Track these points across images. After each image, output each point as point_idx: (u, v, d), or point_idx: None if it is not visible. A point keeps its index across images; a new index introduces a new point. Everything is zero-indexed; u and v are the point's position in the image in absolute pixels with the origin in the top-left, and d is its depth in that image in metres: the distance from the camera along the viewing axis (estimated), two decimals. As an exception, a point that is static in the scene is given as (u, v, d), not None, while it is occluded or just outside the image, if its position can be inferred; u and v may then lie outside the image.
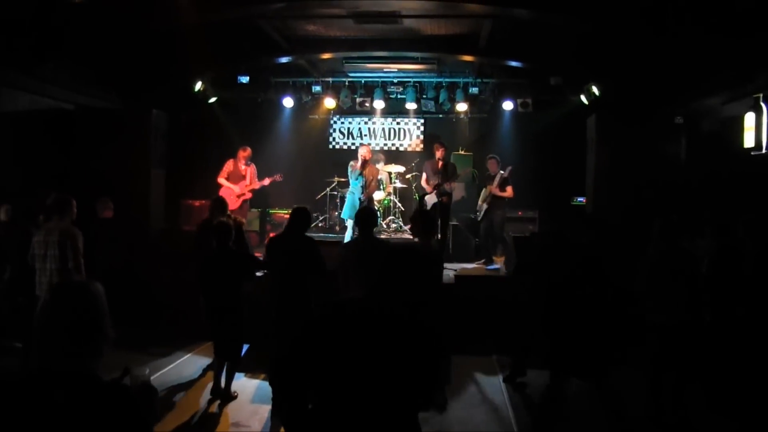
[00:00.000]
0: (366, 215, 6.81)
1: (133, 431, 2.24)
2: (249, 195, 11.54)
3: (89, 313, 2.34)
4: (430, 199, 11.39)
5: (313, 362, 2.67)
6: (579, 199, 12.74)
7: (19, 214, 7.84)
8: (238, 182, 11.32)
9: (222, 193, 11.18)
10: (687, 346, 6.05)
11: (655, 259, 6.27)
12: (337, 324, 2.74)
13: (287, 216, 13.27)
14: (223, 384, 7.17)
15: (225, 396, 7.07)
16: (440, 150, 11.48)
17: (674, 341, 6.07)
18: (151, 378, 6.94)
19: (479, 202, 11.81)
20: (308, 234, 7.27)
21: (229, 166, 11.35)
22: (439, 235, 10.59)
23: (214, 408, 6.92)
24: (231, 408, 6.89)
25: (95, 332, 2.33)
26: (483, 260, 11.65)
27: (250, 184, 11.44)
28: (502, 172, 11.45)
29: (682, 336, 6.03)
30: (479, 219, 11.69)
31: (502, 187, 11.36)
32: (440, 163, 11.35)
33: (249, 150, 11.48)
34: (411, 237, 12.21)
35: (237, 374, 7.38)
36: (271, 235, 10.37)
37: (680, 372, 6.15)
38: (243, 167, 11.41)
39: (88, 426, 2.16)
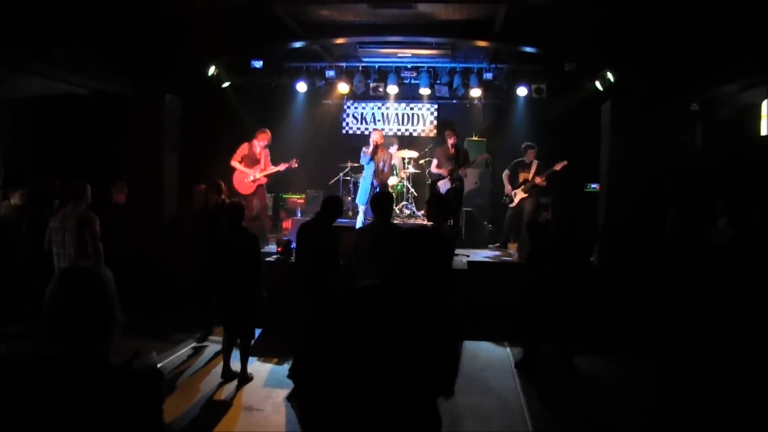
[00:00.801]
0: (382, 200, 6.78)
1: (143, 415, 2.24)
2: (264, 180, 11.54)
3: (97, 297, 2.34)
4: (444, 185, 11.37)
5: (334, 353, 2.65)
6: (593, 185, 12.68)
7: (33, 199, 7.88)
8: (252, 166, 11.31)
9: (235, 177, 11.20)
10: (700, 335, 6.01)
11: (669, 246, 6.24)
12: (357, 312, 2.72)
13: (300, 201, 13.42)
14: (236, 367, 7.23)
15: (241, 378, 7.13)
16: (452, 137, 11.47)
17: (688, 330, 6.04)
18: (162, 363, 7.03)
19: (509, 189, 11.75)
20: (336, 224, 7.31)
21: (243, 149, 11.31)
22: (452, 221, 10.57)
23: (228, 391, 6.97)
24: (244, 392, 6.93)
25: (104, 316, 2.34)
26: (498, 244, 11.64)
27: (265, 168, 11.43)
28: (538, 161, 11.41)
29: (695, 325, 6.00)
30: (511, 204, 11.63)
31: (541, 176, 11.33)
32: (452, 149, 11.33)
33: (269, 133, 11.45)
34: (424, 222, 12.25)
35: (249, 358, 7.42)
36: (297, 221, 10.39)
37: (693, 361, 6.12)
38: (259, 151, 11.40)
39: (99, 410, 2.16)
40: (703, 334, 5.95)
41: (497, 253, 11.34)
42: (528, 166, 11.53)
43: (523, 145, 11.80)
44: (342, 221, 12.07)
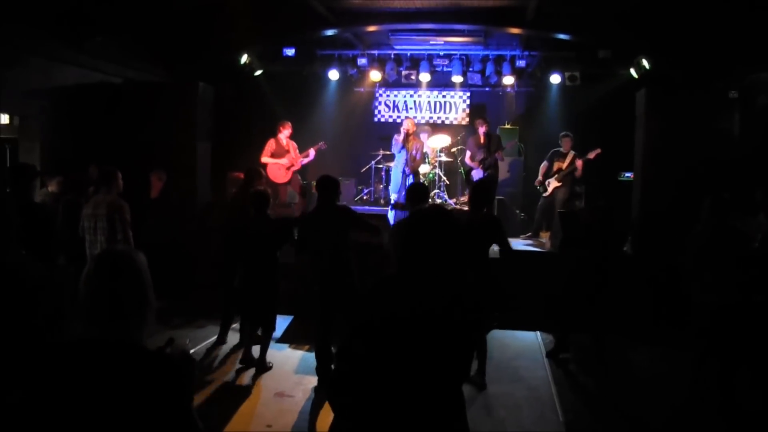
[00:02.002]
0: (415, 191, 6.74)
1: (173, 399, 2.26)
2: (298, 166, 11.60)
3: (132, 281, 2.36)
4: (476, 174, 11.33)
5: (368, 347, 2.60)
6: (627, 174, 12.53)
7: (68, 186, 7.98)
8: (283, 157, 11.37)
9: (270, 169, 11.25)
10: (735, 327, 5.93)
11: (705, 237, 6.15)
12: (377, 305, 2.70)
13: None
14: (256, 354, 7.27)
15: (260, 366, 7.17)
16: (483, 126, 11.42)
17: (722, 321, 5.96)
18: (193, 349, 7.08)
19: (542, 178, 11.67)
20: (341, 203, 7.13)
21: (271, 145, 11.37)
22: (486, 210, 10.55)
23: (247, 378, 7.04)
24: (275, 378, 6.98)
25: (139, 301, 2.36)
26: (529, 234, 11.59)
27: (296, 157, 11.48)
28: (574, 152, 11.34)
29: (730, 316, 5.92)
30: (545, 193, 11.55)
31: (573, 164, 11.24)
32: (483, 138, 11.29)
33: (289, 124, 11.52)
34: (455, 208, 12.22)
35: (280, 345, 7.48)
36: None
37: (728, 353, 6.04)
38: (286, 142, 11.46)
39: (132, 394, 2.19)
40: (741, 324, 5.87)
41: (529, 242, 11.28)
42: (564, 156, 11.43)
43: (561, 135, 11.70)
44: (374, 209, 12.10)
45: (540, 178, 11.68)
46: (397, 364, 2.50)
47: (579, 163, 11.16)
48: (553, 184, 11.41)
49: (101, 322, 2.29)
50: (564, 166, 11.34)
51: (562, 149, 11.55)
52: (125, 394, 2.19)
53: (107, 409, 2.18)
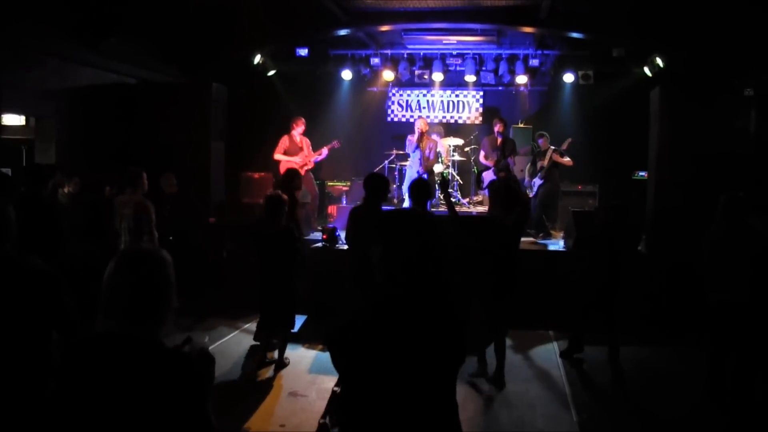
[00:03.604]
0: (417, 187, 6.73)
1: (192, 398, 2.28)
2: (311, 164, 11.62)
3: (154, 279, 2.37)
4: (488, 176, 11.36)
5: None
6: (641, 173, 12.49)
7: (86, 186, 8.05)
8: (297, 154, 11.39)
9: (283, 167, 11.25)
10: (750, 326, 5.90)
11: (719, 236, 6.12)
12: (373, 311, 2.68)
13: (345, 188, 13.46)
14: (275, 354, 7.31)
15: (278, 364, 7.22)
16: (499, 124, 11.48)
17: (737, 321, 5.94)
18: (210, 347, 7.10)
19: (528, 178, 11.80)
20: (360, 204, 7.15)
21: (284, 142, 11.39)
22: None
23: (266, 375, 7.09)
24: (288, 377, 7.01)
25: (159, 298, 2.37)
26: (541, 234, 11.57)
27: (309, 155, 11.50)
28: (552, 147, 11.46)
29: (745, 316, 5.89)
30: (531, 194, 11.63)
31: (559, 155, 11.37)
32: (499, 139, 11.34)
33: (302, 120, 11.54)
34: (469, 209, 12.23)
35: (294, 345, 7.50)
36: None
37: (743, 352, 6.02)
38: (299, 140, 11.48)
39: (149, 391, 2.22)
40: (756, 324, 5.84)
41: (543, 241, 11.26)
42: (543, 154, 11.59)
43: (536, 135, 11.94)
44: (388, 209, 12.08)
45: (527, 180, 11.90)
46: (390, 372, 2.46)
47: (559, 158, 11.50)
48: (537, 183, 11.52)
49: (121, 318, 2.31)
50: (545, 163, 11.49)
51: (541, 148, 11.80)
52: (141, 391, 2.22)
53: (124, 404, 2.22)
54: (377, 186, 6.83)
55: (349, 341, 2.50)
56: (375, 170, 13.57)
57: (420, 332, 2.46)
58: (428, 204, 6.97)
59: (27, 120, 10.06)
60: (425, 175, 10.70)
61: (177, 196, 9.49)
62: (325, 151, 11.68)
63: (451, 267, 6.00)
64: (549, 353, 8.02)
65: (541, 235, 11.45)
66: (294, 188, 8.27)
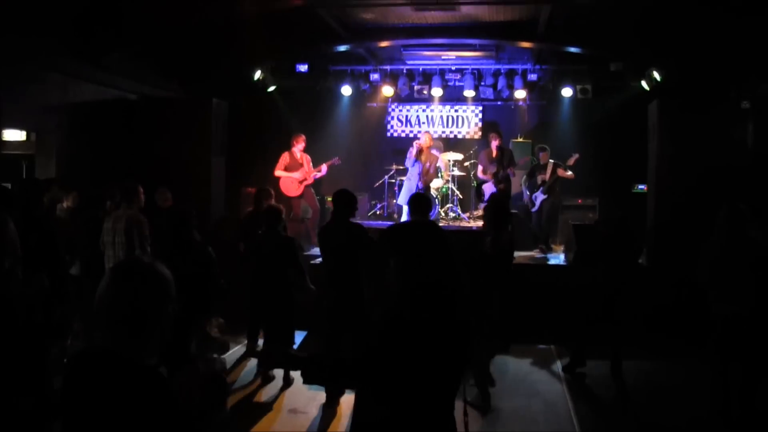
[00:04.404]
0: (417, 201, 6.71)
1: (161, 420, 2.15)
2: (311, 180, 11.64)
3: (151, 292, 2.25)
4: (488, 189, 11.35)
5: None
6: (640, 186, 12.51)
7: (85, 201, 8.04)
8: (297, 170, 11.41)
9: (283, 182, 11.31)
10: (753, 338, 5.89)
11: (720, 247, 6.11)
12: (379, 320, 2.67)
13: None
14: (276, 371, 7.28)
15: (284, 382, 7.19)
16: (496, 139, 11.49)
17: (739, 332, 5.93)
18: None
19: (528, 192, 11.77)
20: (355, 221, 7.07)
21: (285, 158, 11.46)
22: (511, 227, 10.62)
23: (270, 393, 7.06)
24: (288, 394, 6.99)
25: (150, 313, 2.25)
26: (542, 248, 11.57)
27: (309, 171, 11.53)
28: (553, 161, 11.45)
29: (747, 327, 5.88)
30: (533, 209, 11.62)
31: (555, 174, 11.34)
32: (495, 151, 11.33)
33: (303, 137, 11.59)
34: (469, 224, 12.22)
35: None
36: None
37: (747, 364, 6.00)
38: (300, 156, 11.51)
39: (118, 413, 2.12)
40: (759, 335, 5.83)
41: (543, 255, 11.25)
42: (544, 168, 11.54)
43: (537, 148, 11.91)
44: (388, 223, 12.09)
45: (526, 195, 11.89)
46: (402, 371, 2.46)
47: (564, 172, 11.40)
48: (539, 197, 11.49)
49: (114, 333, 2.22)
50: (547, 177, 11.43)
51: (540, 162, 11.73)
52: (112, 413, 2.13)
53: (94, 425, 2.16)
54: (348, 200, 6.71)
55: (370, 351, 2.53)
56: (375, 185, 13.64)
57: (434, 342, 2.47)
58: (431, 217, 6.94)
59: (28, 135, 10.07)
60: (423, 189, 10.74)
61: (172, 210, 9.49)
62: (324, 167, 11.72)
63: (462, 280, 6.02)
64: (551, 368, 8.00)
65: (542, 248, 11.45)
66: (264, 204, 8.28)
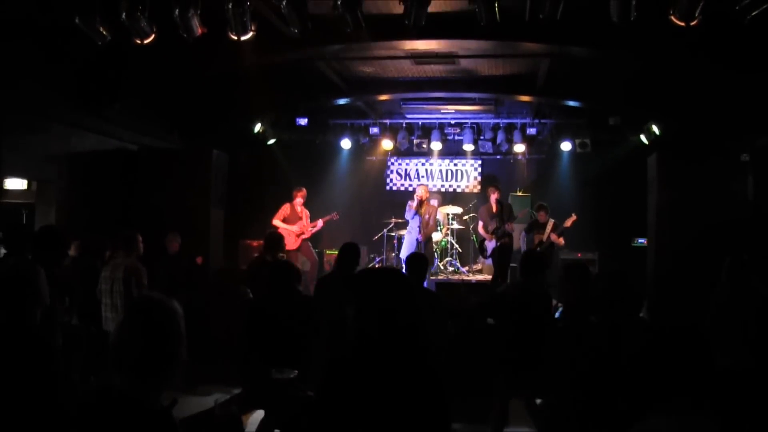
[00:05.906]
0: (415, 260, 6.57)
1: None
2: (308, 234, 11.62)
3: (164, 332, 2.28)
4: (490, 245, 11.33)
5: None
6: (640, 240, 12.49)
7: (86, 249, 8.01)
8: (295, 223, 11.42)
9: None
10: (758, 392, 5.78)
11: (723, 299, 6.04)
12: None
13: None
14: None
15: None
16: (495, 193, 11.45)
17: (744, 386, 5.82)
18: (193, 413, 6.90)
19: (526, 248, 11.67)
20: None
21: (285, 210, 11.47)
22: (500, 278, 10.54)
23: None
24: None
25: (169, 353, 2.28)
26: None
27: (306, 224, 11.53)
28: (553, 220, 11.40)
29: (752, 381, 5.77)
30: None
31: (556, 233, 11.26)
32: (495, 207, 11.29)
33: (304, 190, 11.61)
34: (469, 278, 12.15)
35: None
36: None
37: (753, 420, 5.87)
38: (300, 209, 11.54)
39: None
40: (764, 389, 5.72)
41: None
42: (542, 227, 11.46)
43: (536, 206, 11.85)
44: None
45: (523, 248, 11.77)
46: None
47: (556, 238, 11.30)
48: None
49: (129, 373, 2.21)
50: (544, 237, 11.37)
51: (538, 220, 11.63)
52: None
53: None
54: (352, 254, 6.55)
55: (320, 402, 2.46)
56: (374, 239, 13.61)
57: (392, 393, 2.35)
58: (426, 277, 6.83)
59: (28, 183, 10.08)
60: (424, 244, 10.71)
61: (176, 256, 9.46)
62: (320, 222, 11.73)
63: (437, 333, 5.85)
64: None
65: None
66: (279, 251, 8.13)
